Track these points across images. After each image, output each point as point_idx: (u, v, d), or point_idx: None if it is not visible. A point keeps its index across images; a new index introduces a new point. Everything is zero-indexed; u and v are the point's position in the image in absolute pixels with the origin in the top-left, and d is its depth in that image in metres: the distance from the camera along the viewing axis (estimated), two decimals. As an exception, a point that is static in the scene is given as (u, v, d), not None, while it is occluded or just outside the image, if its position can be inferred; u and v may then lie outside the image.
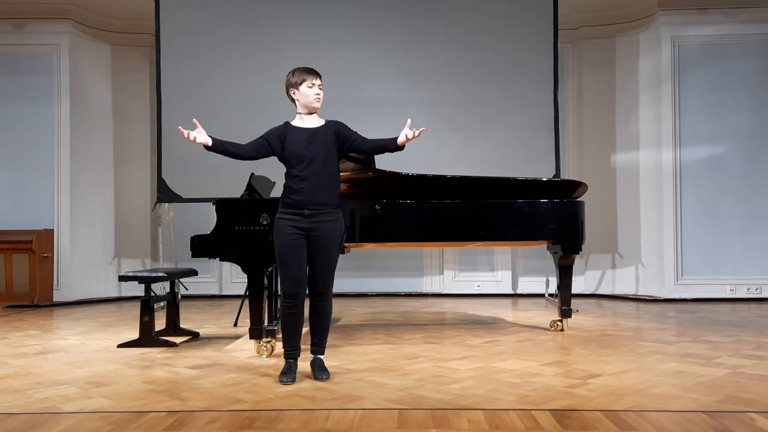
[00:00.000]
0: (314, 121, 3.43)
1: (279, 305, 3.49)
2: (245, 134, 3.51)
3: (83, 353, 4.13)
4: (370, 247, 5.75)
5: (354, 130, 3.44)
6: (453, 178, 4.61)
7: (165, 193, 6.68)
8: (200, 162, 6.09)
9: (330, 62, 6.67)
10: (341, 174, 4.49)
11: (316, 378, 3.28)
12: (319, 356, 3.40)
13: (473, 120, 6.95)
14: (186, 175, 6.67)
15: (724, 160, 7.20)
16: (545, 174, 6.66)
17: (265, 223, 3.93)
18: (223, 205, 4.06)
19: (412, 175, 4.44)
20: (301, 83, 3.40)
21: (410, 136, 3.23)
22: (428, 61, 6.95)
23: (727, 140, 7.19)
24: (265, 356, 3.91)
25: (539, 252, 7.10)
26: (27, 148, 7.40)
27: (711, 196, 7.20)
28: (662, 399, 2.85)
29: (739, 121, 7.18)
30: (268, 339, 3.98)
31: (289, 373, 3.27)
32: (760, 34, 7.18)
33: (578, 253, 4.81)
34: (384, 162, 4.62)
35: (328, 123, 3.44)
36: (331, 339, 4.52)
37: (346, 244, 4.37)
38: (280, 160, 3.41)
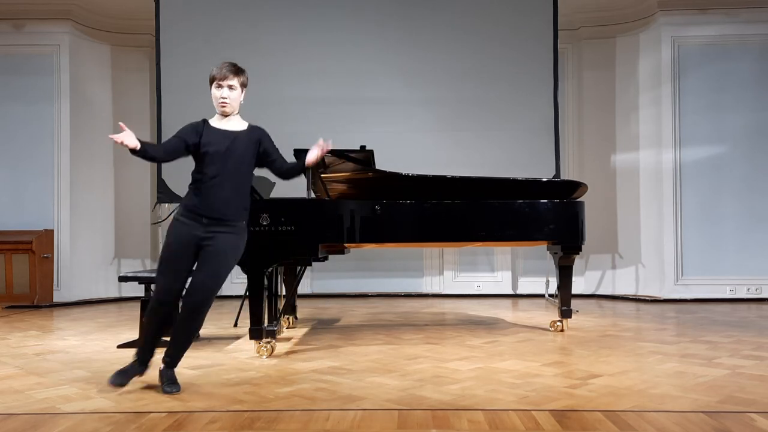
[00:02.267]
0: (235, 124, 3.14)
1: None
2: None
3: (83, 354, 4.12)
4: (370, 248, 5.75)
5: (275, 145, 3.19)
6: (453, 178, 4.61)
7: (165, 193, 6.68)
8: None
9: (331, 64, 6.71)
10: (341, 174, 4.53)
11: (165, 392, 2.95)
12: (170, 369, 3.06)
13: (473, 121, 6.96)
14: (186, 175, 6.55)
15: (723, 160, 7.20)
16: (545, 174, 6.66)
17: (265, 223, 3.92)
18: (223, 206, 4.04)
19: (412, 176, 4.44)
20: (211, 82, 3.07)
21: (313, 157, 3.07)
22: (429, 62, 6.96)
23: (726, 140, 7.19)
24: (265, 357, 3.91)
25: (539, 252, 7.10)
26: (27, 148, 7.40)
27: (711, 196, 7.20)
28: (662, 399, 2.84)
29: (739, 121, 7.18)
30: (268, 339, 3.98)
31: (124, 375, 2.98)
32: (760, 34, 7.18)
33: (578, 254, 4.81)
34: (384, 162, 4.63)
35: (251, 129, 3.15)
36: (331, 339, 4.54)
37: (346, 245, 4.35)
38: (194, 158, 3.11)
